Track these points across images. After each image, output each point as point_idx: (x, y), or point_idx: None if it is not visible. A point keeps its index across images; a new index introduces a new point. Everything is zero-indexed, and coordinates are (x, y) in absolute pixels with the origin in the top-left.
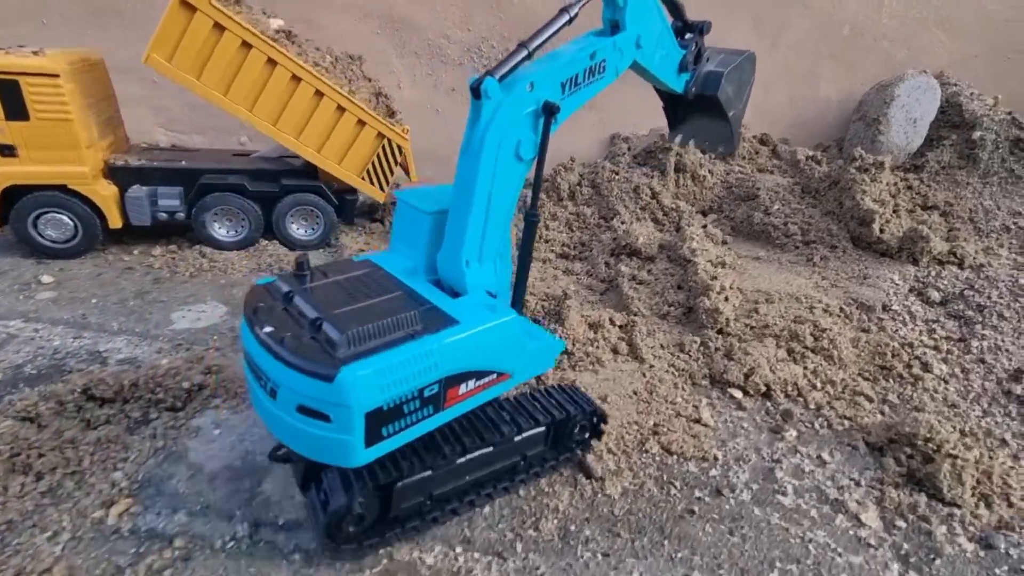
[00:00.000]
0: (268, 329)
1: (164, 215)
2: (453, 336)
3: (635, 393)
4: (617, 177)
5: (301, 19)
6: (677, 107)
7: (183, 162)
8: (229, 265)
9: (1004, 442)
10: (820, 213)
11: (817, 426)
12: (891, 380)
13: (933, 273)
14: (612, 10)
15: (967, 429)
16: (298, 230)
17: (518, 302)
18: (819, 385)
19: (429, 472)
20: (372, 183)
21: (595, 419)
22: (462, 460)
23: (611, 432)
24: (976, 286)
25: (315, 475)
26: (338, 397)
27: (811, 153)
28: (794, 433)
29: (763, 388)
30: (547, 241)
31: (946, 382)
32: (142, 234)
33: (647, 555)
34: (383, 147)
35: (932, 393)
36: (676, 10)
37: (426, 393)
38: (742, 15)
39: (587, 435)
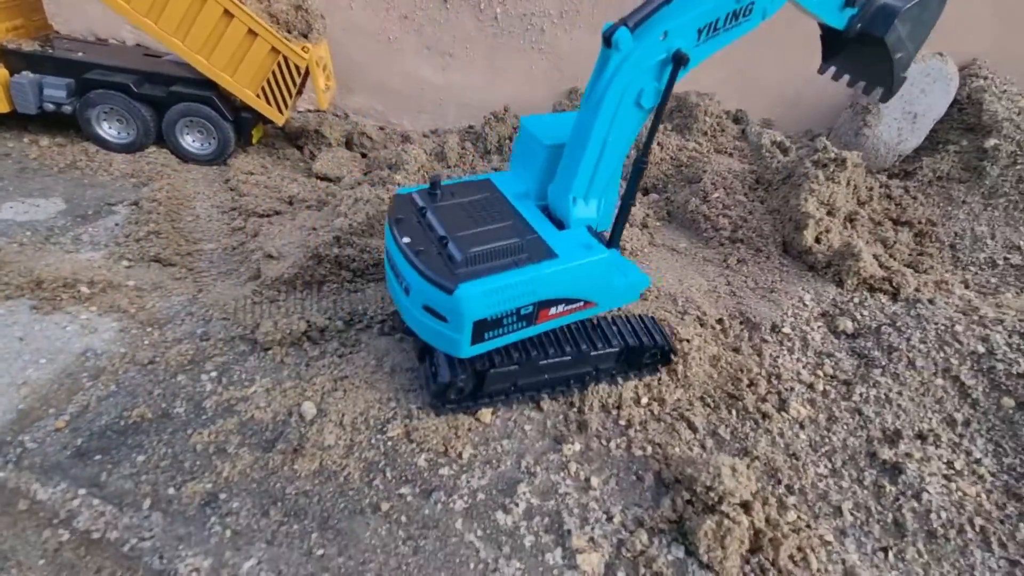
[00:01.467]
0: (406, 240)
1: (51, 106)
2: (550, 269)
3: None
4: None
5: None
6: (836, 38)
7: (80, 54)
8: (105, 167)
9: (838, 512)
10: (764, 210)
11: (613, 446)
12: (733, 412)
13: (856, 299)
14: None
15: (797, 487)
16: (193, 143)
17: (615, 240)
18: (645, 401)
19: (516, 367)
20: (269, 103)
21: (665, 351)
22: (544, 362)
23: (357, 404)
24: (899, 324)
25: (429, 351)
26: (454, 307)
27: (778, 139)
28: (578, 447)
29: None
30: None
31: (801, 427)
32: (50, 123)
33: (283, 543)
34: (279, 65)
35: (775, 436)
36: None
37: (522, 312)
38: None
39: (656, 361)
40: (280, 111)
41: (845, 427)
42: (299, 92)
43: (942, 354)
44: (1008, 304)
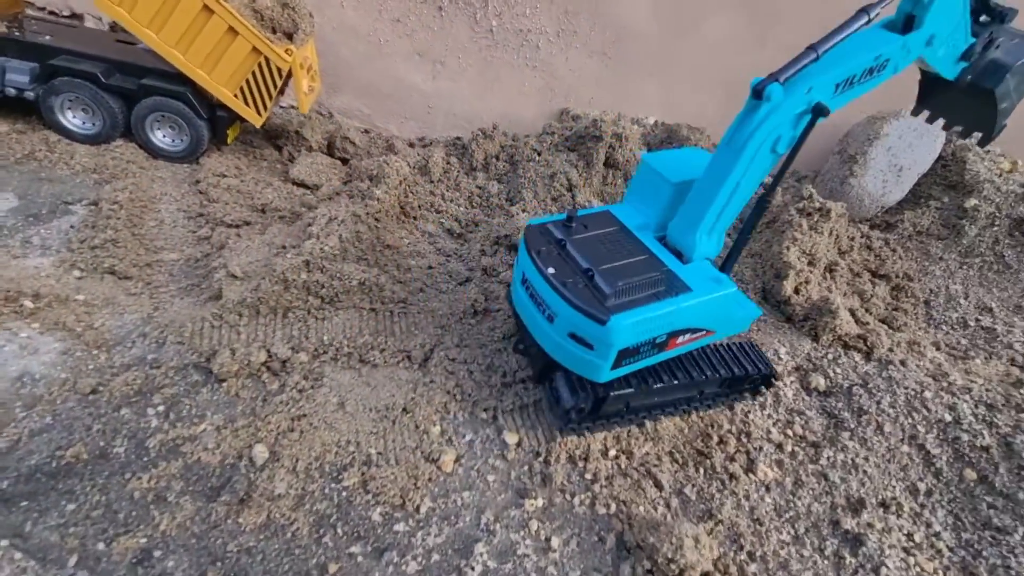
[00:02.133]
0: (551, 270)
1: (12, 90)
2: (687, 302)
3: (387, 408)
4: (538, 158)
5: None
6: (937, 84)
7: (48, 37)
8: (65, 159)
9: None
10: (746, 253)
11: (577, 502)
12: (701, 470)
13: (831, 356)
14: (912, 4)
15: (759, 554)
16: (164, 139)
17: (728, 270)
18: (613, 453)
19: (631, 390)
20: (248, 104)
21: (768, 377)
22: (655, 386)
23: (313, 447)
24: (871, 385)
25: (549, 373)
26: (606, 336)
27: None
28: (541, 503)
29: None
30: (438, 211)
31: (767, 489)
32: (12, 109)
33: None
34: (260, 66)
35: (740, 499)
36: None
37: (657, 340)
38: None
39: (757, 385)
40: (259, 113)
41: (811, 492)
42: (281, 92)
43: (910, 420)
44: (976, 371)
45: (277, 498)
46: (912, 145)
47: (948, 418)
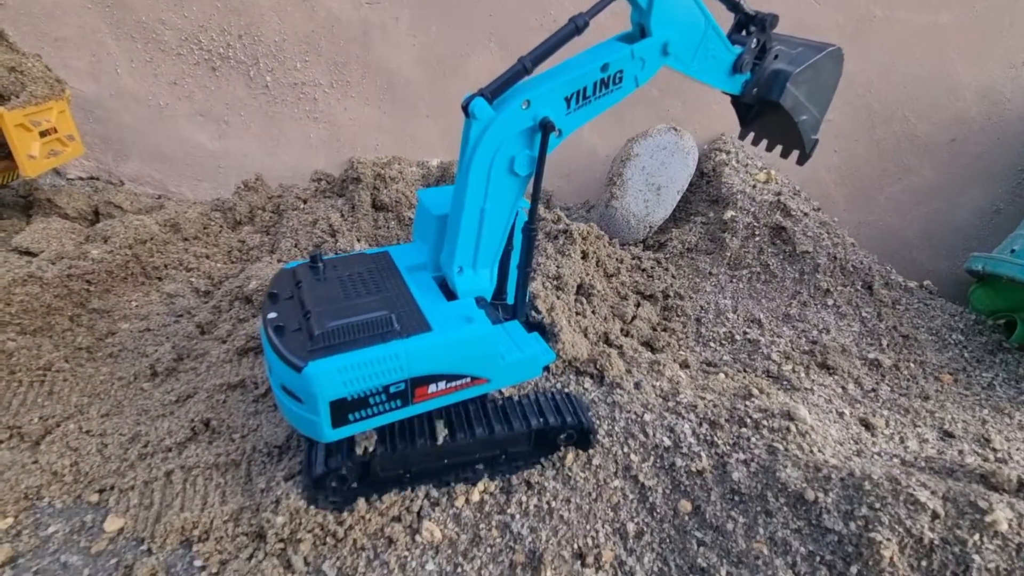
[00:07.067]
0: (272, 315)
1: None
2: (419, 343)
3: None
4: (303, 206)
5: None
6: (743, 103)
7: None
8: None
9: None
10: None
11: None
12: (349, 542)
13: (561, 384)
14: (638, 12)
15: None
16: None
17: (519, 312)
18: (241, 530)
19: (405, 450)
20: None
21: (586, 432)
22: (436, 445)
23: None
24: (591, 414)
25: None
26: (305, 386)
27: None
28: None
29: None
30: (188, 270)
31: (435, 553)
32: None
33: None
34: None
35: (392, 569)
36: (732, 3)
37: (392, 390)
38: (480, 31)
39: (573, 442)
40: None
41: (488, 550)
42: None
43: (625, 449)
44: (713, 387)
45: None
46: (664, 163)
47: (667, 442)
